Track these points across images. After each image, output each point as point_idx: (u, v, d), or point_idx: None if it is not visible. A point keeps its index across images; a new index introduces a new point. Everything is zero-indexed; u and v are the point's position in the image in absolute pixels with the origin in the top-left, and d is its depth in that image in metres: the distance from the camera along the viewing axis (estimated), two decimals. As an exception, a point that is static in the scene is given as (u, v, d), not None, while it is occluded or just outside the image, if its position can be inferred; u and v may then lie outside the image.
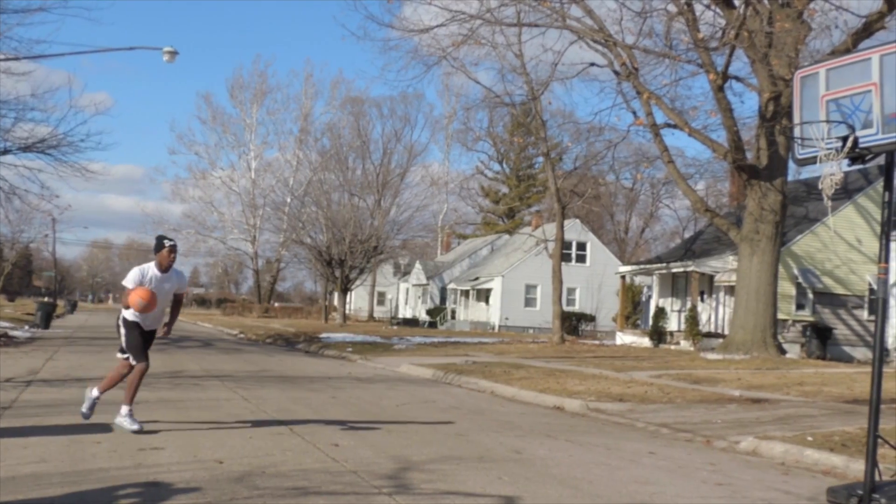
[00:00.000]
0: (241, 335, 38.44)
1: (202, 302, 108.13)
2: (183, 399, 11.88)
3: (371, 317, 69.98)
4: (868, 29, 22.24)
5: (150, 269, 8.80)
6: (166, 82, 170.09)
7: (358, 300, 75.72)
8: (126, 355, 8.88)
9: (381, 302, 77.23)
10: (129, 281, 8.72)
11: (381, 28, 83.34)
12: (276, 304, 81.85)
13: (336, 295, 54.52)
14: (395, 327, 52.84)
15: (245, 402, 11.97)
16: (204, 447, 7.98)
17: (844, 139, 7.27)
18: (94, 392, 9.02)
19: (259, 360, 21.44)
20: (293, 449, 8.14)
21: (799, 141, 7.84)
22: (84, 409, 9.04)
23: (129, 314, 8.83)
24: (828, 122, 7.46)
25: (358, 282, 53.82)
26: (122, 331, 8.91)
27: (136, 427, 8.66)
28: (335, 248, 48.33)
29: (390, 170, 59.38)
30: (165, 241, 8.87)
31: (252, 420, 10.04)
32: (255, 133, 76.14)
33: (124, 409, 8.75)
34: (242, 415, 10.49)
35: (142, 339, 8.93)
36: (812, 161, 7.65)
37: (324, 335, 33.81)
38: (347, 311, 59.57)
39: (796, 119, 7.96)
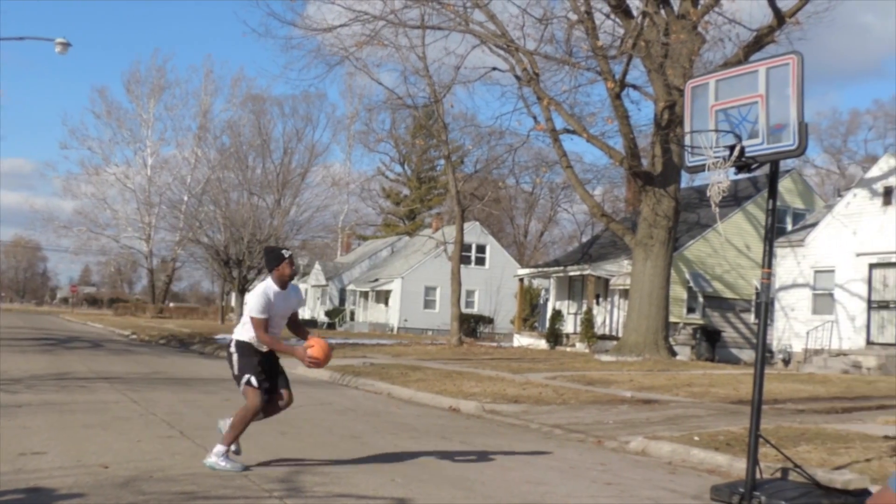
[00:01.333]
0: (134, 336, 37.43)
1: (93, 302, 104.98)
2: (68, 402, 11.49)
3: (269, 318, 68.98)
4: (759, 42, 23.04)
5: (271, 288, 7.38)
6: (60, 76, 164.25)
7: (256, 301, 74.62)
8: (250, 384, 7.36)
9: (279, 303, 76.26)
10: (255, 310, 7.26)
11: (284, 26, 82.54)
12: (172, 305, 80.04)
13: (234, 295, 53.60)
14: (293, 328, 52.20)
15: (134, 404, 11.66)
16: (89, 451, 7.73)
17: (732, 148, 7.48)
18: (219, 448, 7.39)
19: (151, 362, 20.91)
20: (183, 452, 7.96)
21: (689, 149, 8.05)
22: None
23: (246, 335, 7.43)
24: (716, 131, 7.67)
25: (256, 282, 53.00)
26: (236, 357, 7.44)
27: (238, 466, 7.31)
28: (233, 248, 47.52)
29: (291, 169, 58.69)
30: (283, 252, 7.53)
31: (141, 423, 9.78)
32: (152, 129, 74.30)
33: (220, 448, 7.37)
34: (131, 418, 10.21)
35: (263, 366, 7.50)
36: (701, 169, 7.86)
37: (220, 336, 33.16)
38: (245, 312, 58.63)
39: (687, 128, 8.17)
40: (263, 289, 7.34)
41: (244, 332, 7.43)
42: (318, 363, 7.39)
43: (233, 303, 56.41)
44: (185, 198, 58.44)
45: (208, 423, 10.08)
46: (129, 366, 19.14)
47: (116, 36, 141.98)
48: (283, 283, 7.44)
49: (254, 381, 7.27)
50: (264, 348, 7.43)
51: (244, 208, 48.93)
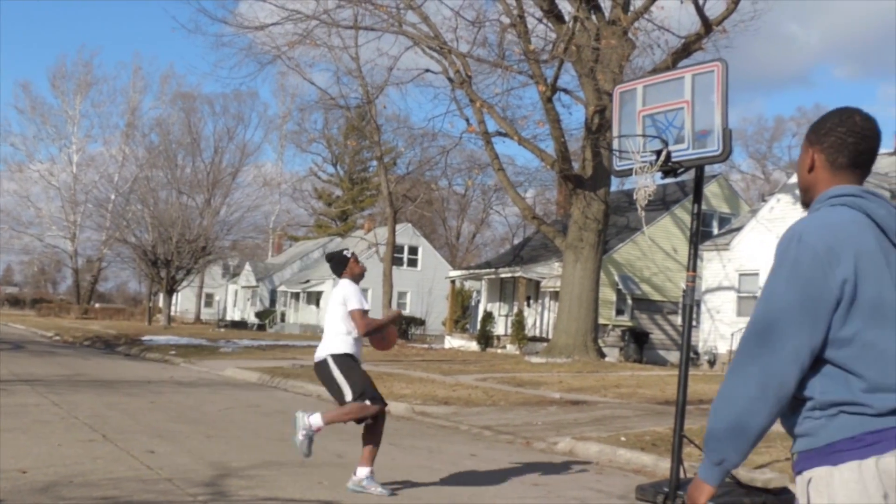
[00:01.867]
0: (57, 337, 36.50)
1: (15, 302, 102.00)
2: (-14, 405, 11.16)
3: (198, 319, 68.01)
4: (687, 49, 23.46)
5: (354, 285, 7.19)
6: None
7: (184, 302, 73.43)
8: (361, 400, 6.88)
9: (208, 304, 75.18)
10: (357, 302, 6.95)
11: (214, 23, 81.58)
12: (97, 305, 78.10)
13: (161, 296, 52.70)
14: (222, 330, 51.57)
15: (56, 407, 11.37)
16: (6, 456, 7.50)
17: (658, 153, 7.59)
18: (316, 419, 6.96)
19: (74, 364, 20.42)
20: (105, 457, 7.78)
21: (617, 153, 8.16)
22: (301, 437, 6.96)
23: (344, 346, 7.01)
24: (643, 136, 7.78)
25: (185, 283, 52.24)
26: (337, 373, 6.92)
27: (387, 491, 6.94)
28: (161, 248, 46.74)
29: (221, 169, 58.02)
30: (346, 253, 7.38)
31: (62, 427, 9.53)
32: (79, 126, 72.54)
33: (363, 471, 6.99)
34: (52, 421, 9.94)
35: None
36: (629, 173, 7.96)
37: (146, 337, 32.57)
38: (173, 313, 57.65)
39: (615, 132, 8.28)
40: (348, 282, 7.13)
41: (340, 343, 6.98)
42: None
43: (160, 304, 55.46)
44: (112, 196, 57.21)
45: (132, 426, 9.90)
46: (52, 368, 18.67)
47: (41, 31, 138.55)
48: (358, 281, 7.25)
49: (369, 403, 6.86)
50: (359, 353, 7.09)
51: (173, 208, 48.15)
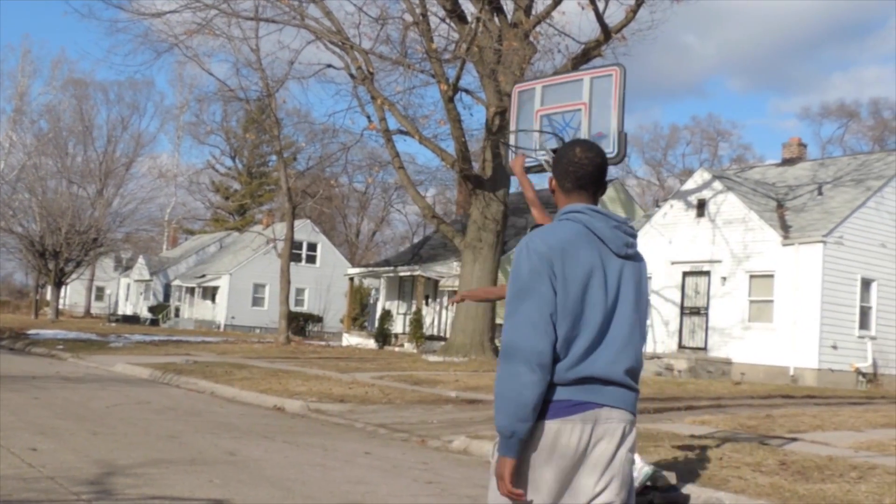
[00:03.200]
0: (-65, 330, 34.94)
1: None
2: None
3: (88, 313, 66.00)
4: (587, 55, 23.90)
5: None
6: None
7: (74, 295, 71.13)
8: None
9: (99, 297, 73.02)
10: None
11: (109, 8, 78.67)
12: (-21, 298, 75.07)
13: (49, 289, 50.90)
14: (113, 324, 50.15)
15: (-69, 403, 10.88)
16: None
17: (554, 151, 7.71)
18: None
19: (-47, 358, 19.58)
20: (-16, 455, 7.48)
21: (514, 150, 8.25)
22: None
23: None
24: (540, 131, 7.89)
25: (74, 275, 50.62)
26: None
27: None
28: (49, 239, 45.16)
29: (115, 158, 56.34)
30: None
31: (-63, 423, 9.13)
32: (-38, 110, 69.53)
33: None
34: (-74, 418, 9.52)
35: None
36: (525, 171, 8.06)
37: (32, 331, 31.45)
38: (62, 307, 55.81)
39: (512, 128, 8.38)
40: None
41: None
42: None
43: (48, 296, 53.57)
44: (-2, 184, 55.00)
45: (13, 423, 9.54)
46: (-72, 362, 17.87)
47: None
48: None
49: None
50: None
51: (63, 197, 46.58)
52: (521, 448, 2.72)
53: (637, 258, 2.98)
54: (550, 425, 2.75)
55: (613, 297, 2.85)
